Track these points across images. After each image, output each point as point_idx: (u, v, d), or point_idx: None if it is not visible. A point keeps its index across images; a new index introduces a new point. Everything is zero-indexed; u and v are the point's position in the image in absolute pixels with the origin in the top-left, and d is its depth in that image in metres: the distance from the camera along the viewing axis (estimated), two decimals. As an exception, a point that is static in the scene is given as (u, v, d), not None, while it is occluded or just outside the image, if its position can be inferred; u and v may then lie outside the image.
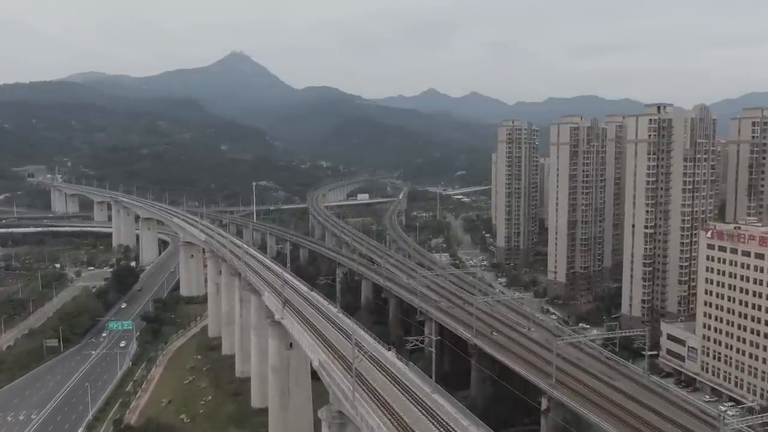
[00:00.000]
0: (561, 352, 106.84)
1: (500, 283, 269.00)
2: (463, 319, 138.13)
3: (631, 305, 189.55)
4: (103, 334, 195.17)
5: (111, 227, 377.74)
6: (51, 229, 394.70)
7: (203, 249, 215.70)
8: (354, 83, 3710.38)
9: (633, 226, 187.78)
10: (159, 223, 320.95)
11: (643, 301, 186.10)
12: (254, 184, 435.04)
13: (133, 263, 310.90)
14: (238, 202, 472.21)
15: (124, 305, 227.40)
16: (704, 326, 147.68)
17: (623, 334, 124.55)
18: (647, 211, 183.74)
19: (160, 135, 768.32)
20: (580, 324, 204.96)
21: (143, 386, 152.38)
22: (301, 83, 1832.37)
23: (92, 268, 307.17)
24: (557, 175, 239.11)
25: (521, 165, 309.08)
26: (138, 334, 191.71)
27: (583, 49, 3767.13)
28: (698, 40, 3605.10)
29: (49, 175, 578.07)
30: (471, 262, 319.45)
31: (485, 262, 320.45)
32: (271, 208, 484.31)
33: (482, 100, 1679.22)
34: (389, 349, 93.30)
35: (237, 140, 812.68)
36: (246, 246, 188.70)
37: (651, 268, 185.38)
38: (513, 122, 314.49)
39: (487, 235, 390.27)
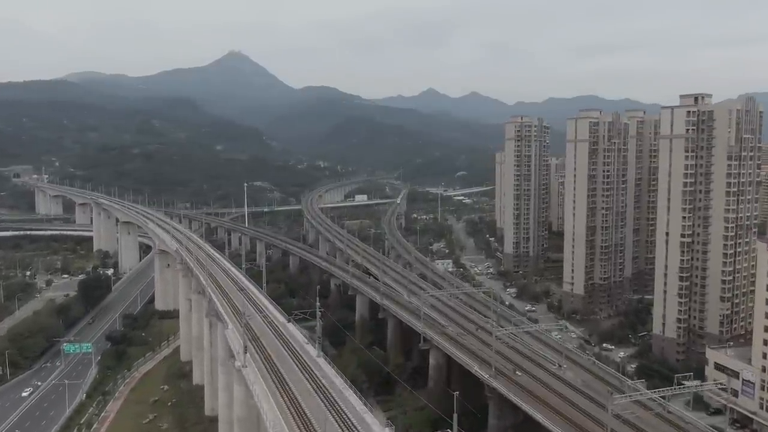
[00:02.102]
0: (604, 396, 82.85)
1: (509, 294, 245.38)
2: (477, 350, 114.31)
3: (664, 324, 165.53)
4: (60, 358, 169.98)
5: (92, 231, 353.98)
6: (29, 232, 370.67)
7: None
8: (353, 83, 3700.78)
9: (667, 234, 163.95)
10: (140, 227, 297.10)
11: (679, 320, 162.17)
12: (246, 184, 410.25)
13: (111, 270, 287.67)
14: (231, 203, 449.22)
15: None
16: (764, 356, 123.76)
17: (697, 389, 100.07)
18: (684, 217, 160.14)
19: (153, 134, 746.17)
20: (604, 344, 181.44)
21: (94, 427, 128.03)
22: (299, 83, 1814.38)
23: (66, 276, 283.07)
24: (574, 175, 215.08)
25: (531, 164, 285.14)
26: (99, 358, 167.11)
27: (583, 49, 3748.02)
28: (698, 40, 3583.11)
29: (35, 176, 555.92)
30: (476, 269, 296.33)
31: (491, 270, 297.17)
32: (265, 209, 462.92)
33: (482, 100, 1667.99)
34: (387, 425, 68.52)
35: (233, 140, 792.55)
36: (220, 256, 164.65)
37: (688, 283, 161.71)
38: (522, 118, 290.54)
39: (492, 239, 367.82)
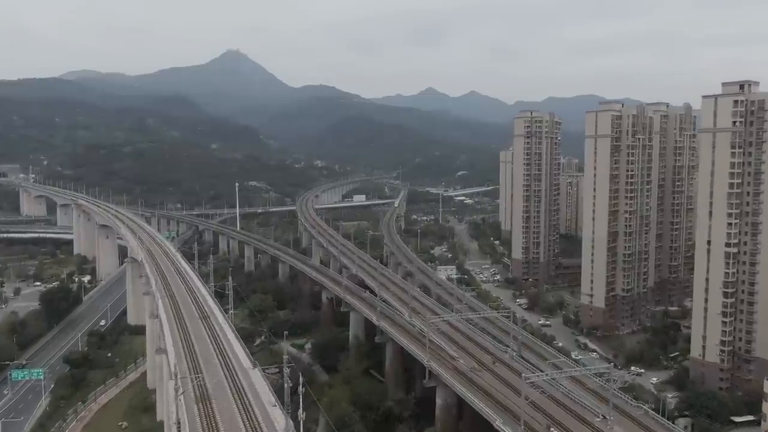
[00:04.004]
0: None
1: (519, 305, 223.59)
2: (496, 392, 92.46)
3: (704, 346, 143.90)
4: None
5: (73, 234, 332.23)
6: (6, 235, 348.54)
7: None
8: (352, 82, 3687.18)
9: (709, 242, 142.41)
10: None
11: (723, 342, 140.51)
12: (237, 184, 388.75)
13: (87, 278, 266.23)
14: (223, 204, 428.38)
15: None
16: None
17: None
18: (729, 224, 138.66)
19: (147, 133, 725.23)
20: (632, 367, 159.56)
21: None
22: (298, 82, 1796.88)
23: (39, 283, 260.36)
24: (594, 174, 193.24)
25: (541, 163, 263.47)
26: (53, 385, 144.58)
27: (583, 48, 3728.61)
28: (698, 40, 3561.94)
29: (21, 175, 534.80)
30: (481, 275, 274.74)
31: (498, 276, 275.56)
32: (259, 210, 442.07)
33: (481, 100, 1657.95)
34: None
35: (229, 139, 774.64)
36: (189, 269, 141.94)
37: (733, 299, 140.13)
38: (531, 113, 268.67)
39: (497, 242, 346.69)
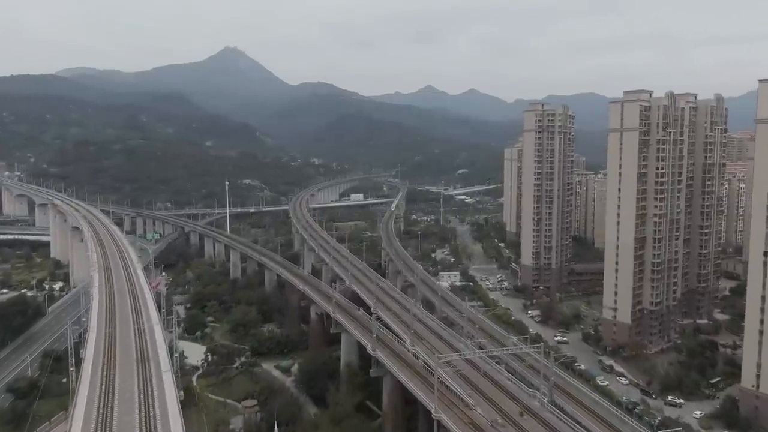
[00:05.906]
0: None
1: (531, 317, 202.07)
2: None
3: (758, 375, 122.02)
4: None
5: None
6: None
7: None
8: (350, 80, 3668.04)
9: (765, 254, 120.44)
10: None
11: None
12: (227, 183, 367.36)
13: (59, 284, 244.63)
14: (215, 203, 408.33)
15: None
16: None
17: None
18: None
19: (140, 130, 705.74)
20: (669, 396, 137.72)
21: None
22: (296, 79, 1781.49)
23: (6, 290, 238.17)
24: (619, 173, 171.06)
25: (554, 160, 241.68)
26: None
27: (583, 47, 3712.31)
28: (698, 39, 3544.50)
29: (6, 173, 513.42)
30: (487, 282, 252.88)
31: (505, 284, 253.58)
32: (252, 210, 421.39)
33: (481, 98, 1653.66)
34: None
35: (225, 136, 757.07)
36: (145, 286, 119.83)
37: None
38: (543, 106, 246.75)
39: (501, 244, 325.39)
